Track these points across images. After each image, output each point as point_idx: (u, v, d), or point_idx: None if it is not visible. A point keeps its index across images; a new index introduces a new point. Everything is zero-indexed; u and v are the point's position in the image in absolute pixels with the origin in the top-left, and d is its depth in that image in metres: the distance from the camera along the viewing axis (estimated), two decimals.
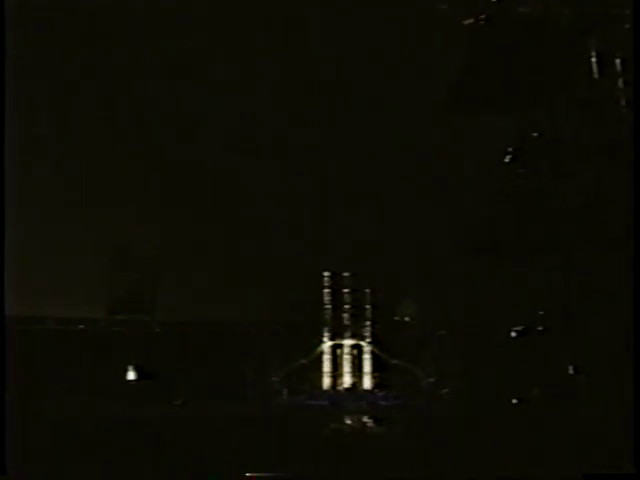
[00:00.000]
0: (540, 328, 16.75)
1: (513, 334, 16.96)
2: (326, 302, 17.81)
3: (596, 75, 16.08)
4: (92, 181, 17.44)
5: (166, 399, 16.80)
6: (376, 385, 17.58)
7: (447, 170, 17.28)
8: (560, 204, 16.82)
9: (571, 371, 16.31)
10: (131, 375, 16.99)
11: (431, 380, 17.38)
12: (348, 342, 17.76)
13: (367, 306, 17.79)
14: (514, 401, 16.55)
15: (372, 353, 17.67)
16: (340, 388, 17.59)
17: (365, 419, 17.05)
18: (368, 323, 17.77)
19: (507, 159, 17.08)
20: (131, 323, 17.41)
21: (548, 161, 17.15)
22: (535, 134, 17.13)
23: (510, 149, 17.09)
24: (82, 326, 17.26)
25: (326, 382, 17.61)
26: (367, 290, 17.79)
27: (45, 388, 16.32)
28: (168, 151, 17.66)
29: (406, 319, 17.81)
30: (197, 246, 17.36)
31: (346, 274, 17.86)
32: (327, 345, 17.73)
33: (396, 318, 17.84)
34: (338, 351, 17.74)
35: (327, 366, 17.67)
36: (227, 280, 17.24)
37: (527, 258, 17.07)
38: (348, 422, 17.03)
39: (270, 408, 17.03)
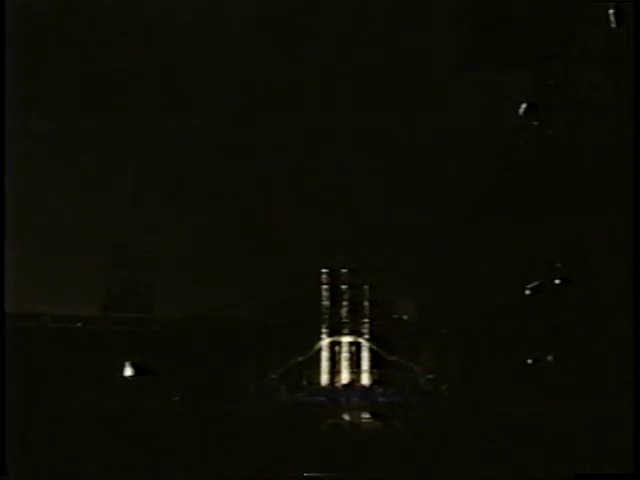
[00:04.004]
0: (558, 281, 16.41)
1: (527, 292, 16.79)
2: (324, 299, 17.78)
3: (613, 25, 15.65)
4: (91, 180, 17.43)
5: (164, 395, 16.78)
6: (374, 382, 17.57)
7: (459, 127, 17.11)
8: (575, 157, 16.49)
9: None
10: (128, 372, 16.99)
11: (430, 377, 17.38)
12: (346, 339, 17.73)
13: (365, 303, 17.77)
14: (529, 361, 16.48)
15: (370, 350, 17.65)
16: (338, 385, 17.58)
17: (363, 415, 17.05)
18: (366, 320, 17.74)
19: (521, 111, 16.73)
20: (129, 320, 17.40)
21: (563, 113, 16.85)
22: (551, 82, 16.80)
23: (525, 101, 16.74)
24: (80, 324, 17.25)
25: (324, 379, 17.60)
26: (365, 287, 17.77)
27: (43, 385, 16.27)
28: (166, 150, 17.60)
29: (404, 316, 17.79)
30: (196, 244, 17.32)
31: (344, 271, 17.84)
32: (325, 342, 17.70)
33: (394, 315, 17.81)
34: (336, 348, 17.71)
35: (325, 363, 17.65)
36: (226, 278, 17.21)
37: (542, 213, 16.82)
38: (346, 418, 17.03)
39: (268, 405, 17.01)
